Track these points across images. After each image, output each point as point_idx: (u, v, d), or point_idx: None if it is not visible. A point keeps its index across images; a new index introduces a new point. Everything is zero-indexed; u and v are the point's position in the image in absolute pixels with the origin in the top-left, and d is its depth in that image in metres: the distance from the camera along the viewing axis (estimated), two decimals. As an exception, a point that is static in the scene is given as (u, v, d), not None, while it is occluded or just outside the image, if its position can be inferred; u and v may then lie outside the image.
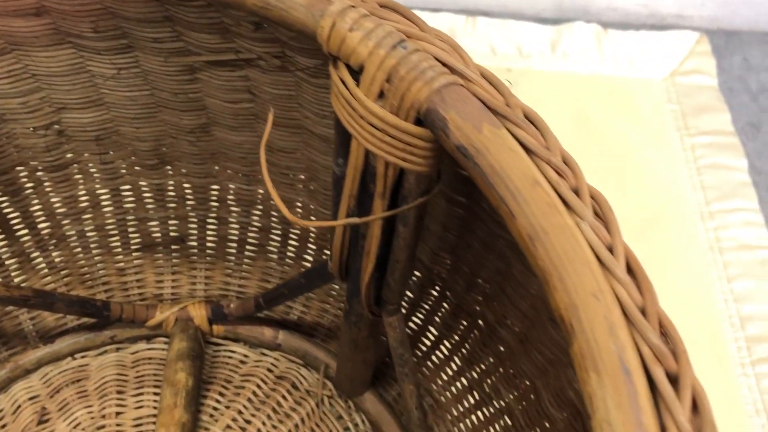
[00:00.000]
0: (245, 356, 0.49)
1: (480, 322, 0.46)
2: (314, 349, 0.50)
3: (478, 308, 0.46)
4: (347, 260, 0.34)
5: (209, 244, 0.52)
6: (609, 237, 0.21)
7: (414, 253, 0.32)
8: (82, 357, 0.48)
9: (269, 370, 0.49)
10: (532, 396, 0.42)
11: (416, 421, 0.40)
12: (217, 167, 0.48)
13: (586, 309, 0.18)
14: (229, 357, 0.49)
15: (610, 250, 0.20)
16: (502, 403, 0.46)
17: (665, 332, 0.20)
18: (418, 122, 0.23)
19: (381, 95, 0.23)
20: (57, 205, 0.48)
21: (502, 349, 0.45)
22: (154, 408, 0.45)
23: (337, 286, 0.50)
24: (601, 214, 0.21)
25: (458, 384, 0.48)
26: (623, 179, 0.63)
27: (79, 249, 0.50)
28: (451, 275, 0.47)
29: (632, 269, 0.20)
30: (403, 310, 0.50)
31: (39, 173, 0.45)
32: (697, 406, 0.19)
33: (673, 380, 0.19)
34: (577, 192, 0.21)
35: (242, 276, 0.52)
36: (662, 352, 0.19)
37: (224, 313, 0.48)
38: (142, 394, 0.46)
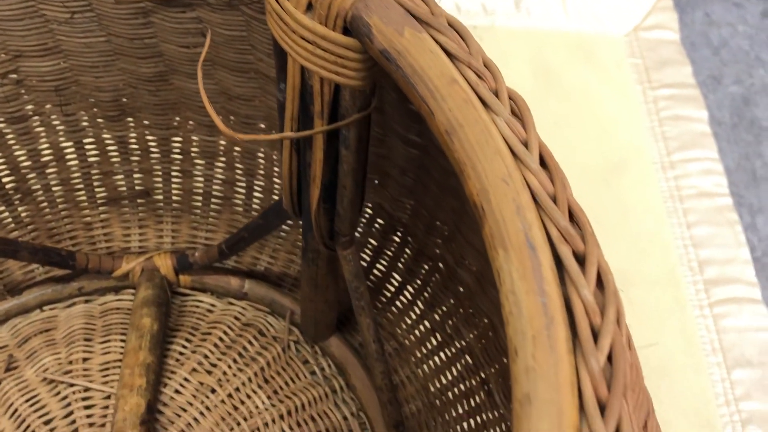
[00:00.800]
0: (212, 305, 0.50)
1: (440, 265, 0.47)
2: (281, 297, 0.51)
3: (438, 251, 0.47)
4: (299, 195, 0.35)
5: (175, 198, 0.52)
6: (524, 132, 0.21)
7: (360, 180, 0.33)
8: (51, 309, 0.49)
9: (236, 318, 0.50)
10: (490, 333, 0.43)
11: (374, 353, 0.41)
12: (178, 118, 0.48)
13: (496, 192, 0.19)
14: (196, 306, 0.50)
15: (525, 144, 0.21)
16: (463, 342, 0.47)
17: (575, 218, 0.21)
18: (347, 33, 0.24)
19: (310, 7, 0.24)
20: (21, 158, 0.48)
21: (461, 289, 0.46)
22: (121, 353, 0.46)
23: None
24: (519, 114, 0.22)
25: (421, 327, 0.49)
26: (587, 131, 0.64)
27: (45, 203, 0.50)
28: (411, 220, 0.48)
29: (546, 162, 0.21)
30: (367, 258, 0.51)
31: (1, 125, 0.46)
32: (602, 282, 0.20)
33: (581, 260, 0.20)
34: (495, 93, 0.22)
35: (208, 229, 0.53)
36: (570, 233, 0.20)
37: (189, 262, 0.49)
38: (109, 341, 0.47)
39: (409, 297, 0.50)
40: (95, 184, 0.51)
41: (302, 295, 0.45)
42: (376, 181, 0.47)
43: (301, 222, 0.38)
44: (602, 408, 0.18)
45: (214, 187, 0.52)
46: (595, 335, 0.19)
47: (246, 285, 0.51)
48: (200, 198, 0.52)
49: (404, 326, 0.50)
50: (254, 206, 0.52)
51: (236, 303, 0.51)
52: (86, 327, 0.47)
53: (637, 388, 0.21)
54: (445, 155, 0.39)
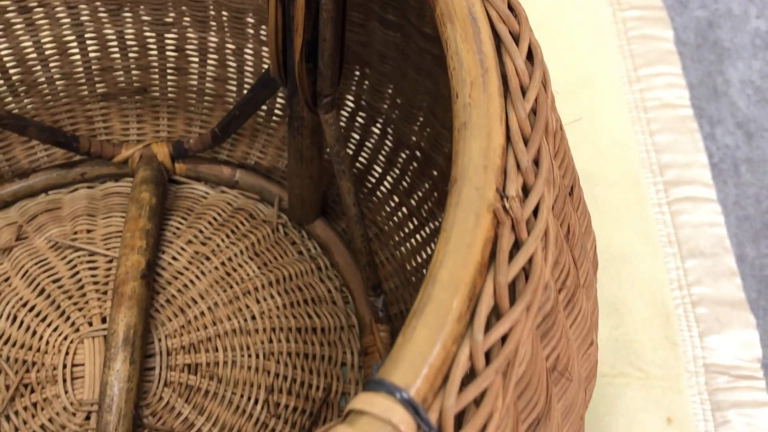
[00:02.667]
0: (206, 192, 0.54)
1: (417, 153, 0.51)
2: (270, 185, 0.55)
3: (414, 139, 0.51)
4: (284, 58, 0.39)
5: (170, 94, 0.56)
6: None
7: (339, 33, 0.37)
8: (55, 193, 0.53)
9: (228, 204, 0.54)
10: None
11: (353, 217, 0.45)
12: (173, 14, 0.52)
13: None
14: (191, 192, 0.54)
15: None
16: (437, 223, 0.51)
17: (512, 8, 0.25)
18: None
19: None
20: (27, 50, 0.52)
21: (435, 173, 0.50)
22: (122, 227, 0.50)
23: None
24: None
25: (399, 213, 0.53)
26: (557, 48, 0.68)
27: (48, 96, 0.54)
28: (390, 110, 0.52)
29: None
30: (350, 151, 0.55)
31: (11, 14, 0.49)
32: (532, 56, 0.24)
33: (515, 37, 0.24)
34: None
35: (202, 126, 0.57)
36: (507, 16, 0.24)
37: (185, 149, 0.53)
38: (110, 217, 0.51)
39: (389, 186, 0.54)
40: (96, 78, 0.54)
41: (289, 172, 0.49)
42: (357, 73, 0.51)
43: (287, 90, 0.42)
44: (525, 141, 0.22)
45: (207, 84, 0.56)
46: (524, 91, 0.23)
47: (237, 174, 0.55)
48: (194, 95, 0.56)
49: (384, 213, 0.54)
50: (245, 104, 0.56)
51: (228, 191, 0.55)
52: (89, 206, 0.51)
53: (563, 151, 0.25)
54: (422, 34, 0.43)
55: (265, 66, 0.54)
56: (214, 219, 0.52)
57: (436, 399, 0.18)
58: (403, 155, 0.52)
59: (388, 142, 0.54)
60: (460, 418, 0.18)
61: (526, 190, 0.21)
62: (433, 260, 0.20)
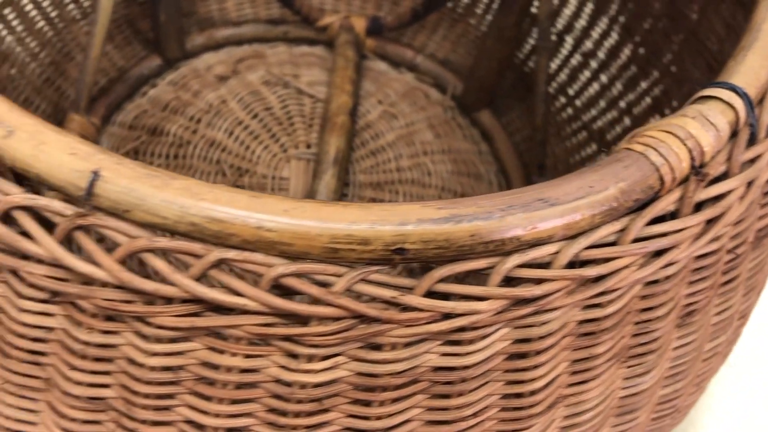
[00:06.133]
0: (387, 70, 0.60)
1: (641, 48, 0.54)
2: (445, 72, 0.60)
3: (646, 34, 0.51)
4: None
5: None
6: None
7: None
8: (258, 45, 0.59)
9: (407, 82, 0.59)
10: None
11: (541, 94, 0.50)
12: None
13: None
14: (374, 66, 0.60)
15: None
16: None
17: None
18: None
19: None
20: None
21: (657, 74, 0.55)
22: (322, 81, 0.56)
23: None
24: None
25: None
26: None
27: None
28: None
29: None
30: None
31: None
32: None
33: None
34: None
35: (389, 11, 0.63)
36: None
37: (381, 24, 0.59)
38: (312, 69, 0.57)
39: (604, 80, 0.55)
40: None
41: (479, 53, 0.54)
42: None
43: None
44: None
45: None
46: None
47: (419, 58, 0.60)
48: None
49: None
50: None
51: (406, 72, 0.60)
52: (291, 60, 0.58)
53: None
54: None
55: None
56: (397, 90, 0.58)
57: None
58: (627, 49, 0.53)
59: (614, 33, 0.54)
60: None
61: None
62: (753, 17, 0.25)
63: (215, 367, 0.21)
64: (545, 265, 0.21)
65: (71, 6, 0.54)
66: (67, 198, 0.20)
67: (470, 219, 0.20)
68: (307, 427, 0.22)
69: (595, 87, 0.56)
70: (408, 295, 0.20)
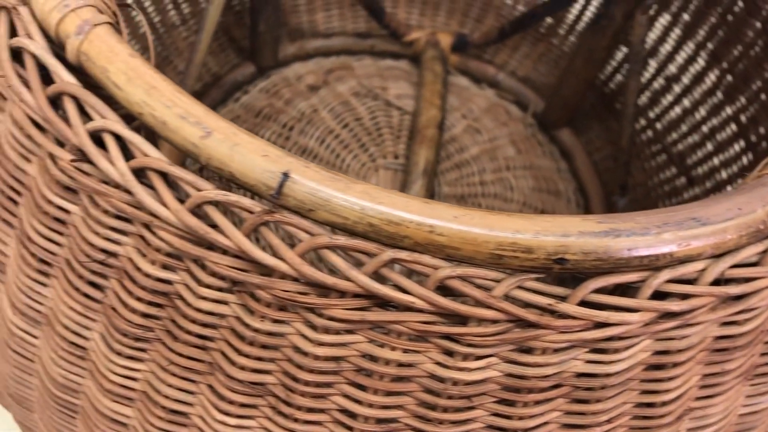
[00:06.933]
0: (469, 86, 0.62)
1: (729, 76, 0.55)
2: (525, 90, 0.61)
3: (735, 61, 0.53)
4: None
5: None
6: None
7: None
8: (346, 57, 0.61)
9: (488, 98, 0.61)
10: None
11: (630, 116, 0.51)
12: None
13: None
14: (457, 82, 0.61)
15: None
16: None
17: None
18: None
19: None
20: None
21: (744, 100, 0.55)
22: (408, 95, 0.57)
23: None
24: None
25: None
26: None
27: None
28: (713, 31, 0.56)
29: None
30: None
31: None
32: None
33: None
34: None
35: (472, 30, 0.64)
36: None
37: (467, 41, 0.60)
38: (399, 82, 0.58)
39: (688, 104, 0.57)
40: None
41: (566, 72, 0.55)
42: None
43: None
44: None
45: (488, -7, 0.63)
46: None
47: (500, 75, 0.62)
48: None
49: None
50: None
51: (487, 89, 0.62)
52: (377, 72, 0.59)
53: None
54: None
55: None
56: (480, 106, 0.59)
57: None
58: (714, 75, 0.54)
59: (700, 59, 0.55)
60: None
61: None
62: None
63: (375, 359, 0.22)
64: (692, 281, 0.22)
65: (172, 12, 0.57)
66: (253, 196, 0.22)
67: (628, 234, 0.21)
68: (453, 422, 0.23)
69: (677, 111, 0.57)
70: (563, 303, 0.22)
